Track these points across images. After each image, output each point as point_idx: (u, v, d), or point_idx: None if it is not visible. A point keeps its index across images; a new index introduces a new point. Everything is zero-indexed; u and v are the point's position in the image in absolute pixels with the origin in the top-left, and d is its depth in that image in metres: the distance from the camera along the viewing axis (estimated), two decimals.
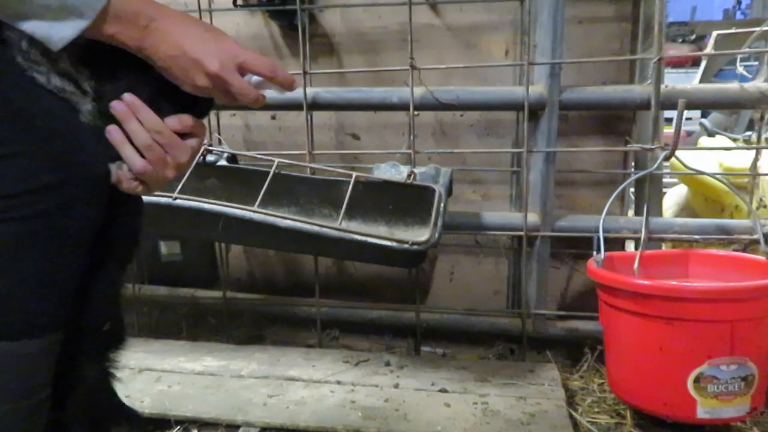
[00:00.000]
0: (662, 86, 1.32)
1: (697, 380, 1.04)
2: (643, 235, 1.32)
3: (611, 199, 1.26)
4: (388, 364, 1.43)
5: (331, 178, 1.45)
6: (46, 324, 0.65)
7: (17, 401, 0.64)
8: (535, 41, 1.39)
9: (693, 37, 7.28)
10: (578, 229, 1.44)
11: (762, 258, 1.21)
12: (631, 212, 1.70)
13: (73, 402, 0.73)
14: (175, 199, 1.24)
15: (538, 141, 1.41)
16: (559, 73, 1.37)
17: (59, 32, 0.59)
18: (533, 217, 1.44)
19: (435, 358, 1.58)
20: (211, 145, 1.50)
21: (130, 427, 0.86)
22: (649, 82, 1.37)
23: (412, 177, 1.35)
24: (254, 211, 1.24)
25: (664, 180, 1.77)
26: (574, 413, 1.22)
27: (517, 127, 1.56)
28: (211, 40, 0.66)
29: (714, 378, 1.03)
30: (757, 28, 1.82)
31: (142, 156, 0.67)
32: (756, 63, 2.53)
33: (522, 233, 1.45)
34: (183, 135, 0.70)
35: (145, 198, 0.79)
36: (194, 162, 1.39)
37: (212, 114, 1.60)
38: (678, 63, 5.83)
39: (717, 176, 1.48)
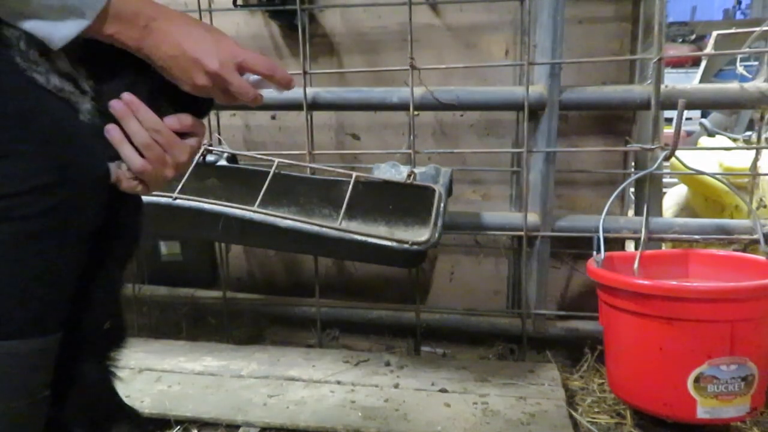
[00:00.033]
0: (662, 86, 1.32)
1: (697, 380, 1.04)
2: (643, 235, 1.31)
3: (611, 199, 1.26)
4: (388, 364, 1.43)
5: (331, 178, 1.45)
6: (46, 323, 0.65)
7: (17, 400, 0.64)
8: (535, 41, 1.39)
9: (693, 37, 7.29)
10: (578, 229, 1.44)
11: (762, 258, 1.21)
12: (631, 212, 1.70)
13: (73, 401, 0.73)
14: (175, 199, 1.24)
15: (538, 141, 1.41)
16: (559, 73, 1.37)
17: (59, 32, 0.59)
18: (533, 217, 1.44)
19: (435, 358, 1.58)
20: (211, 145, 1.50)
21: (130, 426, 0.86)
22: (649, 82, 1.37)
23: (412, 177, 1.35)
24: (254, 211, 1.24)
25: (664, 180, 1.77)
26: (574, 413, 1.22)
27: (517, 127, 1.56)
28: (210, 39, 0.67)
29: (714, 378, 1.03)
30: (757, 28, 1.82)
31: (142, 155, 0.67)
32: (756, 63, 2.53)
33: (522, 233, 1.45)
34: (182, 134, 0.70)
35: (145, 198, 0.79)
36: (194, 162, 1.39)
37: (212, 114, 1.60)
38: (678, 63, 5.84)
39: (717, 176, 1.48)
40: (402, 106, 1.44)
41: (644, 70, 1.46)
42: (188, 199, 1.25)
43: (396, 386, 1.31)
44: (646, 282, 1.07)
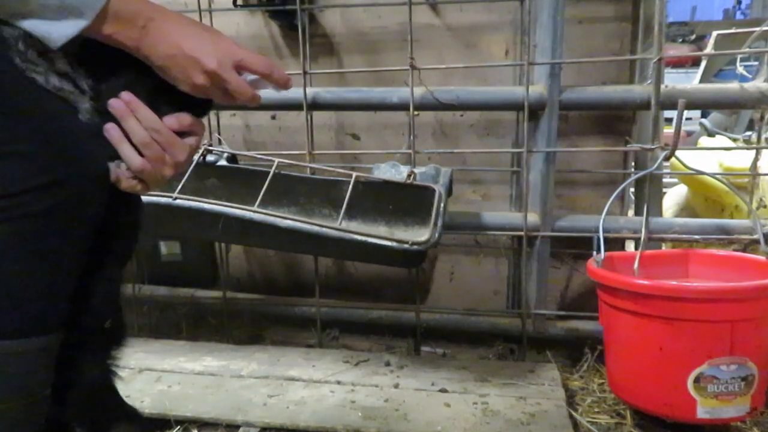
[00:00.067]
0: (662, 86, 1.32)
1: (697, 380, 1.04)
2: (643, 235, 1.31)
3: (611, 199, 1.26)
4: (388, 364, 1.43)
5: (331, 178, 1.45)
6: (47, 323, 0.65)
7: (17, 400, 0.64)
8: (535, 41, 1.39)
9: (693, 37, 7.29)
10: (578, 229, 1.44)
11: (762, 258, 1.21)
12: (631, 212, 1.70)
13: (73, 400, 0.74)
14: (175, 199, 1.24)
15: (538, 141, 1.41)
16: (559, 73, 1.37)
17: (58, 31, 0.60)
18: (533, 217, 1.44)
19: (435, 358, 1.58)
20: (211, 145, 1.50)
21: (130, 425, 0.86)
22: (649, 82, 1.37)
23: (412, 177, 1.35)
24: (254, 211, 1.24)
25: (664, 180, 1.77)
26: (574, 413, 1.22)
27: (517, 127, 1.56)
28: (208, 39, 0.67)
29: (714, 378, 1.03)
30: (757, 28, 1.82)
31: (141, 154, 0.67)
32: (756, 63, 2.53)
33: (522, 233, 1.45)
34: (181, 134, 0.70)
35: (145, 198, 0.79)
36: (194, 162, 1.39)
37: (212, 114, 1.60)
38: (678, 63, 5.84)
39: (717, 176, 1.48)
40: (402, 106, 1.44)
41: (644, 70, 1.46)
42: (188, 199, 1.25)
43: (396, 386, 1.31)
44: (646, 282, 1.07)
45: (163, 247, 1.78)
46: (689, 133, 3.86)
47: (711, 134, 2.95)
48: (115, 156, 0.67)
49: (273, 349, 1.55)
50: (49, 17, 0.59)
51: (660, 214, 1.59)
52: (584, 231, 1.42)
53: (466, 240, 1.63)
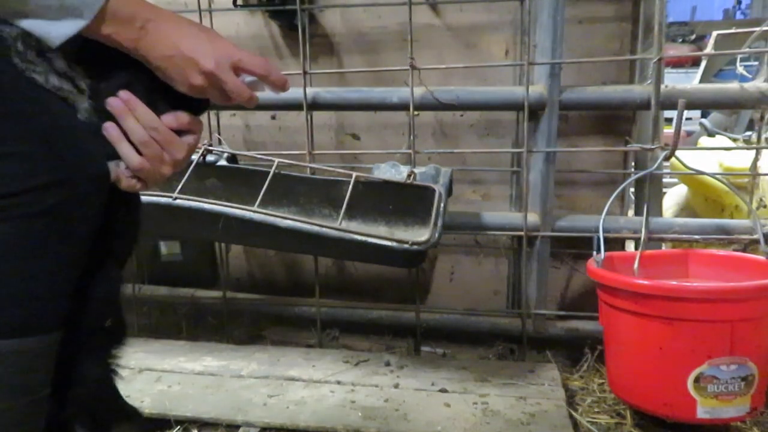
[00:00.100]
0: (662, 86, 1.32)
1: (697, 380, 1.04)
2: (643, 235, 1.31)
3: (611, 199, 1.26)
4: (388, 364, 1.43)
5: (331, 178, 1.45)
6: (47, 322, 0.65)
7: (17, 399, 0.64)
8: (535, 41, 1.39)
9: (693, 37, 7.29)
10: (578, 229, 1.44)
11: (762, 258, 1.21)
12: (631, 212, 1.70)
13: (74, 399, 0.73)
14: (175, 199, 1.24)
15: (538, 141, 1.41)
16: (559, 73, 1.37)
17: (57, 30, 0.60)
18: (533, 217, 1.44)
19: (435, 358, 1.58)
20: (211, 145, 1.49)
21: (131, 425, 0.86)
22: (649, 82, 1.37)
23: (412, 177, 1.35)
24: (254, 211, 1.24)
25: (664, 180, 1.77)
26: (574, 413, 1.22)
27: (517, 127, 1.56)
28: (206, 39, 0.67)
29: (714, 378, 1.03)
30: (757, 28, 1.82)
31: (139, 153, 0.68)
32: (756, 63, 2.53)
33: (522, 233, 1.45)
34: (180, 132, 0.71)
35: (145, 198, 0.80)
36: (195, 162, 1.39)
37: (212, 114, 1.60)
38: (678, 63, 5.84)
39: (717, 176, 1.48)
40: (402, 106, 1.44)
41: (644, 70, 1.46)
42: (188, 199, 1.25)
43: (396, 386, 1.31)
44: (646, 282, 1.07)
45: (163, 247, 1.78)
46: (689, 133, 3.86)
47: (711, 134, 2.95)
48: (114, 155, 0.67)
49: (273, 349, 1.55)
50: (49, 17, 0.59)
51: (660, 214, 1.59)
52: (584, 231, 1.42)
53: (466, 240, 1.63)
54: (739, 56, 2.57)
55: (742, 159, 1.69)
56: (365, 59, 1.62)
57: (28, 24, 0.60)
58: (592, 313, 1.35)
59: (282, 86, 0.73)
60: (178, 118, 0.70)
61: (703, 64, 4.01)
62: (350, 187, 1.31)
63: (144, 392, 1.28)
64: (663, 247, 1.58)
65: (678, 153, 1.26)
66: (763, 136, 1.38)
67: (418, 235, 1.22)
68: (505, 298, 1.65)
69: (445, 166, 1.40)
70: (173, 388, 1.30)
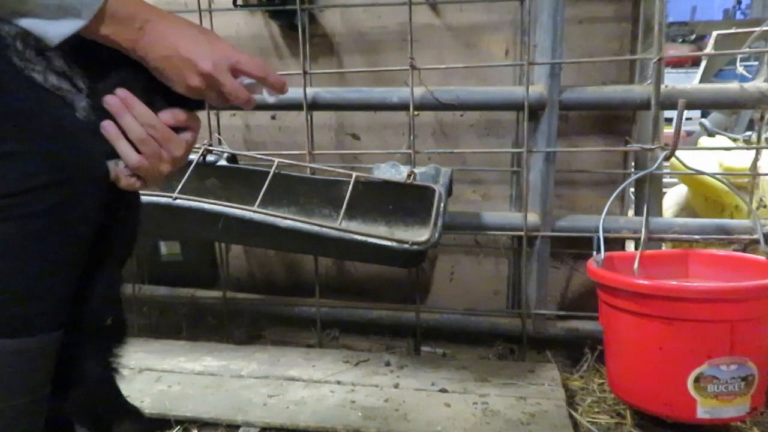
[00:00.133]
0: (662, 86, 1.32)
1: (697, 380, 1.04)
2: (643, 235, 1.31)
3: (611, 199, 1.26)
4: (388, 364, 1.43)
5: (331, 178, 1.45)
6: (47, 322, 0.65)
7: (17, 399, 0.64)
8: (535, 41, 1.39)
9: (693, 37, 7.29)
10: (578, 229, 1.44)
11: (762, 258, 1.21)
12: (631, 212, 1.70)
13: (75, 398, 0.74)
14: (175, 199, 1.24)
15: (538, 141, 1.41)
16: (559, 73, 1.37)
17: (56, 29, 0.60)
18: (533, 217, 1.44)
19: (435, 358, 1.58)
20: (211, 145, 1.50)
21: (132, 424, 0.86)
22: (649, 82, 1.37)
23: (412, 177, 1.35)
24: (254, 211, 1.24)
25: (664, 180, 1.77)
26: (574, 413, 1.22)
27: (517, 127, 1.56)
28: (204, 41, 0.67)
29: (714, 378, 1.03)
30: (757, 28, 1.82)
31: (138, 151, 0.68)
32: (756, 63, 2.54)
33: (522, 233, 1.45)
34: (177, 129, 0.71)
35: (145, 198, 0.79)
36: (195, 162, 1.39)
37: (212, 114, 1.60)
38: (678, 63, 5.84)
39: (717, 176, 1.48)
40: (402, 106, 1.44)
41: (644, 70, 1.46)
42: (188, 199, 1.25)
43: (396, 386, 1.31)
44: (646, 282, 1.07)
45: (163, 247, 1.78)
46: (689, 133, 3.86)
47: (711, 134, 2.95)
48: (113, 154, 0.67)
49: (273, 349, 1.55)
50: (47, 16, 0.60)
51: (660, 214, 1.59)
52: (584, 231, 1.42)
53: (466, 240, 1.63)
54: (739, 56, 2.57)
55: (742, 159, 1.69)
56: (365, 59, 1.62)
57: (26, 23, 0.60)
58: (592, 313, 1.35)
59: (280, 89, 0.73)
60: (175, 115, 0.70)
61: (703, 64, 4.01)
62: (350, 187, 1.31)
63: (144, 392, 1.28)
64: (663, 247, 1.58)
65: (678, 153, 1.26)
66: (763, 136, 1.38)
67: (418, 235, 1.22)
68: (505, 298, 1.65)
69: (445, 166, 1.39)
70: (173, 388, 1.30)
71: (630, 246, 1.68)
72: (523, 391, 1.28)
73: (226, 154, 1.50)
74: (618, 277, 1.13)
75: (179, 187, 1.26)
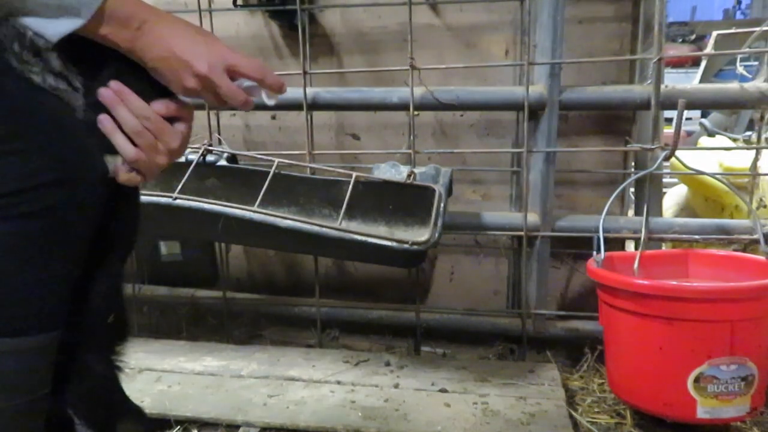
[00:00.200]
0: (662, 86, 1.32)
1: (697, 380, 1.04)
2: (643, 235, 1.31)
3: (611, 199, 1.26)
4: (388, 364, 1.43)
5: (331, 178, 1.45)
6: (46, 322, 0.65)
7: (16, 398, 0.64)
8: (535, 41, 1.39)
9: (693, 37, 7.29)
10: (578, 229, 1.44)
11: (762, 258, 1.21)
12: (631, 212, 1.70)
13: (77, 396, 0.74)
14: (175, 199, 1.24)
15: (538, 141, 1.41)
16: (559, 73, 1.37)
17: (54, 28, 0.60)
18: (533, 217, 1.44)
19: (435, 358, 1.58)
20: (211, 145, 1.50)
21: (134, 423, 0.86)
22: (649, 82, 1.37)
23: (412, 177, 1.35)
24: (254, 211, 1.24)
25: (664, 180, 1.77)
26: (574, 413, 1.22)
27: (517, 127, 1.56)
28: (201, 42, 0.67)
29: (714, 378, 1.03)
30: (757, 28, 1.82)
31: (134, 144, 0.68)
32: (756, 63, 2.53)
33: (522, 233, 1.45)
34: (171, 121, 0.71)
35: (145, 198, 0.80)
36: (195, 162, 1.39)
37: (212, 114, 1.60)
38: (678, 63, 5.84)
39: (717, 176, 1.48)
40: (402, 106, 1.44)
41: (644, 70, 1.46)
42: (188, 199, 1.25)
43: (396, 386, 1.31)
44: (646, 282, 1.07)
45: (163, 247, 1.78)
46: (689, 133, 3.86)
47: (711, 134, 2.95)
48: (111, 150, 0.68)
49: (273, 349, 1.55)
50: (46, 15, 0.60)
51: (660, 214, 1.59)
52: (584, 231, 1.42)
53: (466, 240, 1.63)
54: (739, 56, 2.57)
55: (742, 159, 1.69)
56: (365, 59, 1.62)
57: (26, 21, 0.60)
58: (592, 313, 1.35)
59: (278, 89, 0.73)
60: (167, 105, 0.70)
61: (703, 64, 4.01)
62: (350, 187, 1.31)
63: (144, 392, 1.28)
64: (663, 247, 1.58)
65: (678, 153, 1.26)
66: (763, 136, 1.38)
67: (418, 235, 1.22)
68: (505, 298, 1.65)
69: (445, 166, 1.39)
70: (173, 388, 1.30)
71: (630, 246, 1.68)
72: (523, 391, 1.28)
73: (226, 154, 1.50)
74: (618, 277, 1.13)
75: (179, 187, 1.26)
